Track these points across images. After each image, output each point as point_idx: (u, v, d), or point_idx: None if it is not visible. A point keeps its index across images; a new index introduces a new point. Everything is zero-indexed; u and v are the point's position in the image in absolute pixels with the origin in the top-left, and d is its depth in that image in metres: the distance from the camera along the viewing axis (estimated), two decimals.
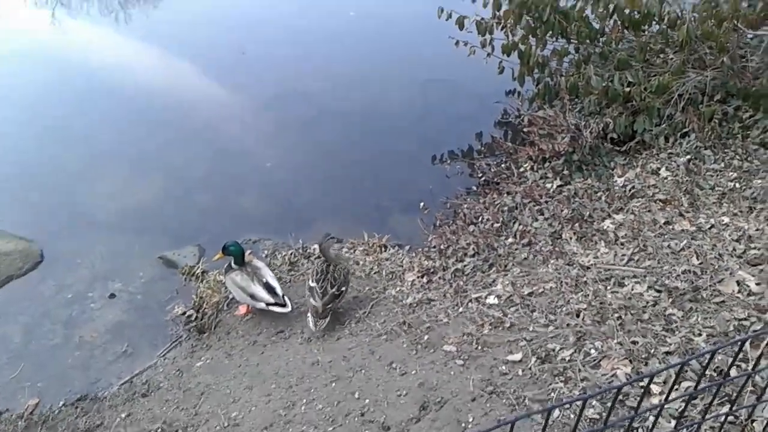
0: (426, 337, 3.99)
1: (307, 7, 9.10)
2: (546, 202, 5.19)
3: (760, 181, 4.80)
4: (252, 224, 5.44)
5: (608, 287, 4.11)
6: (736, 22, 5.55)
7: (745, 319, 3.66)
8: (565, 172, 5.51)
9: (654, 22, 6.00)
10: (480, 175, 6.07)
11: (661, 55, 6.14)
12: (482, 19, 6.37)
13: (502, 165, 6.07)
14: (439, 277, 4.68)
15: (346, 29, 8.43)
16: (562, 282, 4.23)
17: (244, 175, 6.11)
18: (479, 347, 3.85)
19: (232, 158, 6.35)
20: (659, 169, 5.29)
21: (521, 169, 5.82)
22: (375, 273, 4.92)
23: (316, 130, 6.72)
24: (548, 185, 5.44)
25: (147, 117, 6.88)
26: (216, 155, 6.37)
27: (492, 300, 4.25)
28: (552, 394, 3.38)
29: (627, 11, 5.88)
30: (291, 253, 5.12)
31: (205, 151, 6.42)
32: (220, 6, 9.35)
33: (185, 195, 5.80)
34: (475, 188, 5.94)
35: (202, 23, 8.77)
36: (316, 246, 4.73)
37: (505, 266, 4.59)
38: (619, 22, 6.00)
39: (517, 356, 3.74)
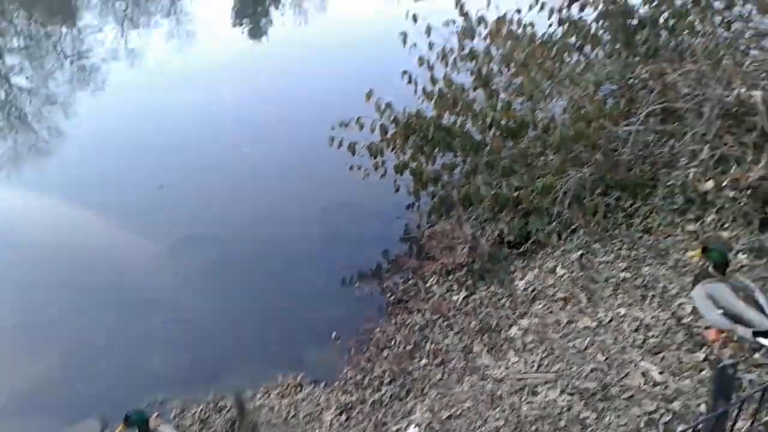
0: None
1: (195, 145, 9.09)
2: (454, 315, 5.25)
3: (647, 268, 5.03)
4: (158, 382, 5.17)
5: (523, 398, 4.11)
6: (602, 120, 6.00)
7: (654, 412, 3.73)
8: (469, 282, 5.62)
9: (530, 129, 6.39)
10: (389, 294, 6.08)
11: (542, 158, 6.49)
12: (372, 143, 6.62)
13: (410, 282, 6.12)
14: (358, 412, 4.58)
15: (242, 166, 8.51)
16: (478, 399, 4.21)
17: (145, 329, 5.86)
18: None
19: (132, 311, 6.09)
20: (556, 267, 5.47)
21: (428, 284, 5.89)
22: (292, 417, 4.76)
23: (219, 272, 6.60)
24: (455, 297, 5.52)
25: (35, 277, 6.57)
26: (114, 310, 6.11)
27: (412, 431, 4.16)
28: None
29: (503, 122, 6.27)
30: (201, 410, 4.88)
31: (101, 307, 6.15)
32: (106, 148, 9.20)
33: (82, 361, 5.47)
34: (386, 308, 5.93)
35: (85, 174, 8.60)
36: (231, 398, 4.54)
37: (422, 390, 4.55)
38: (498, 133, 6.36)
39: None
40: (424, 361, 4.85)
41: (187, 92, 10.53)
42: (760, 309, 3.79)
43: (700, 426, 2.30)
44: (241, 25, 13.85)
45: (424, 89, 6.55)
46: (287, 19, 13.87)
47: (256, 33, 13.48)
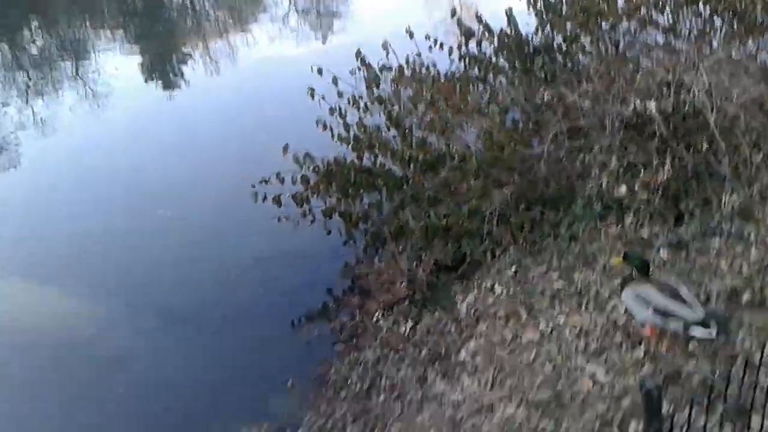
0: None
1: (122, 209, 8.91)
2: (404, 347, 5.38)
3: (578, 274, 5.33)
4: None
5: (482, 418, 4.28)
6: (513, 144, 6.34)
7: (607, 412, 3.97)
8: (413, 312, 5.78)
9: (448, 160, 6.65)
10: (338, 334, 6.15)
11: (464, 184, 6.75)
12: (297, 192, 6.73)
13: (356, 319, 6.21)
14: None
15: (168, 227, 8.34)
16: (440, 427, 4.34)
17: (102, 404, 5.65)
18: None
19: (82, 386, 5.87)
20: (494, 285, 5.70)
21: (374, 319, 6.00)
22: None
23: (166, 337, 6.46)
24: (401, 329, 5.65)
25: None
26: (65, 385, 5.87)
27: None
28: None
29: (420, 157, 6.51)
30: None
31: (51, 386, 5.91)
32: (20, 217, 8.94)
33: None
34: (337, 348, 5.99)
35: None
36: None
37: (385, 426, 4.63)
38: (417, 168, 6.59)
39: None
40: (381, 397, 4.94)
41: (100, 156, 10.34)
42: (686, 303, 4.13)
43: None
44: (152, 81, 13.74)
45: (339, 135, 6.73)
46: (199, 74, 13.84)
47: (168, 88, 13.39)
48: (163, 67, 14.41)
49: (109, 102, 12.61)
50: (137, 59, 14.79)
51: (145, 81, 13.80)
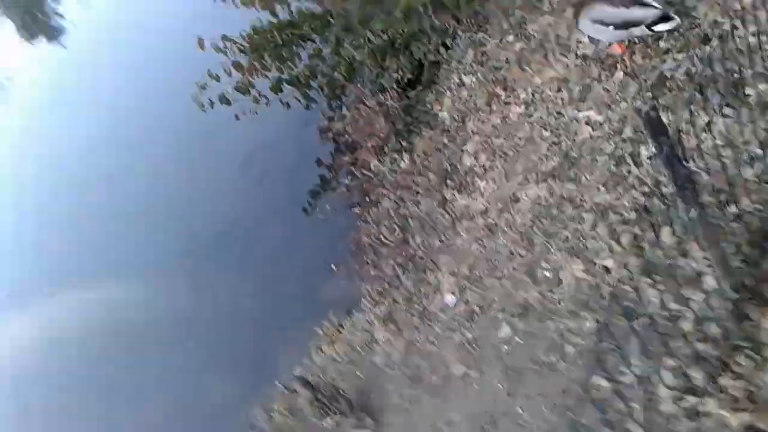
0: (433, 377, 4.16)
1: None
2: (413, 181, 5.38)
3: (532, 26, 5.10)
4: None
5: (512, 211, 4.36)
6: None
7: (615, 149, 3.99)
8: (404, 143, 5.70)
9: None
10: (348, 198, 6.16)
11: None
12: (237, 82, 6.49)
13: (357, 177, 6.16)
14: (400, 314, 4.78)
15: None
16: (481, 237, 4.46)
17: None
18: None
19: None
20: (461, 78, 5.54)
21: (373, 170, 5.96)
22: (353, 353, 5.00)
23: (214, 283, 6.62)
24: (402, 165, 5.61)
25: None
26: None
27: (449, 300, 4.44)
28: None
29: None
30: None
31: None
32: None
33: None
34: (355, 213, 6.02)
35: None
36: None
37: (434, 263, 4.77)
38: None
39: (505, 332, 3.95)
40: (418, 238, 5.03)
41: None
42: (641, 4, 3.97)
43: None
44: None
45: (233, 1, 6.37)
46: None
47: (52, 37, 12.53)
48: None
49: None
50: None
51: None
